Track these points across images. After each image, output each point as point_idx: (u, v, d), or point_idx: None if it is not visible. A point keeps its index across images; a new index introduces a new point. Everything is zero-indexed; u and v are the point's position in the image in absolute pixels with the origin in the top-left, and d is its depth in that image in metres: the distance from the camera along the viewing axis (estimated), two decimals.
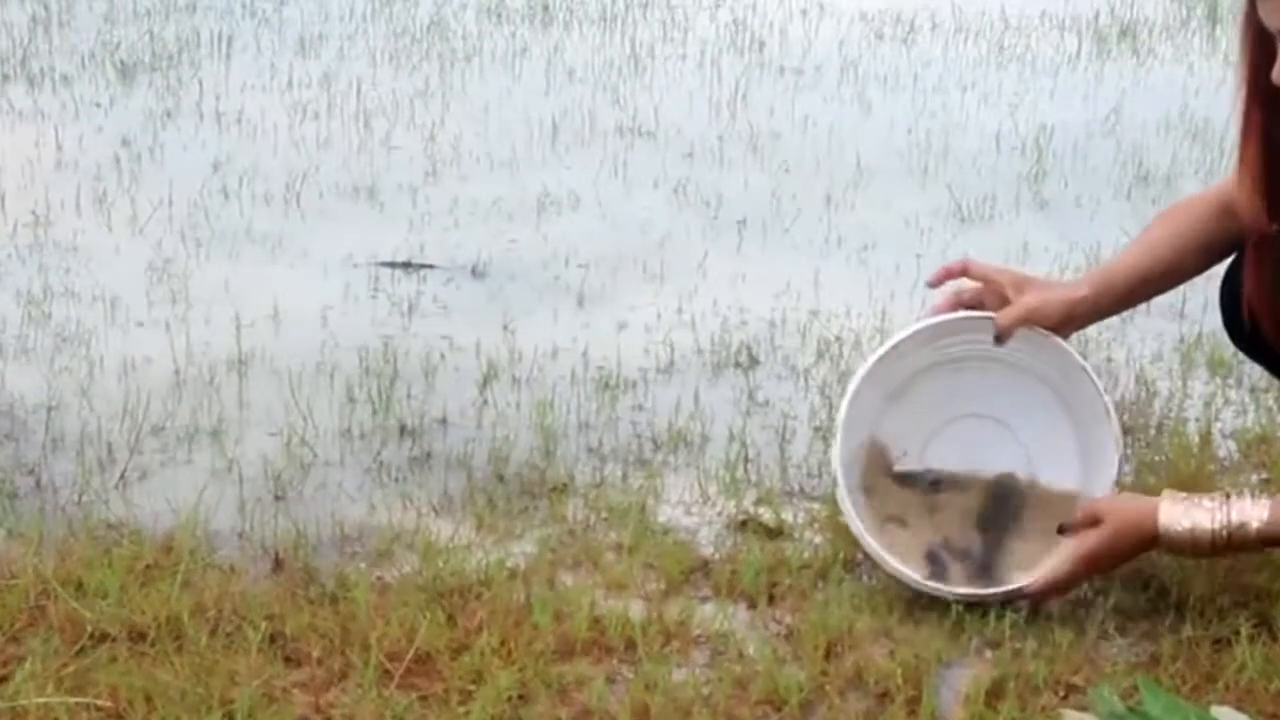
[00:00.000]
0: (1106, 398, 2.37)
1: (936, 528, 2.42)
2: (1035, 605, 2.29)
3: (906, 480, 2.47)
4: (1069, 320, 2.40)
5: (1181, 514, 2.20)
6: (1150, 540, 2.23)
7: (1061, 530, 2.29)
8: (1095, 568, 2.28)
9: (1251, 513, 2.18)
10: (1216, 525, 2.19)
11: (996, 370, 2.46)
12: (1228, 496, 2.21)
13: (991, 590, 2.31)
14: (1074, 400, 2.42)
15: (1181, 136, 4.30)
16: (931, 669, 2.16)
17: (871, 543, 2.32)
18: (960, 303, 2.44)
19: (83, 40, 4.92)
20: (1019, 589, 2.29)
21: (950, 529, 2.42)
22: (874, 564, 2.35)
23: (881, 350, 2.42)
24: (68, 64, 4.68)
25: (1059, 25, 5.39)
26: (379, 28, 5.14)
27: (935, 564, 2.37)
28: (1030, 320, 2.37)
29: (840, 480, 2.34)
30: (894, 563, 2.31)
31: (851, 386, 2.40)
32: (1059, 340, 2.39)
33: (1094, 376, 2.38)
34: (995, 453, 2.47)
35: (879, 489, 2.45)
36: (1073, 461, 2.43)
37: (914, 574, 2.31)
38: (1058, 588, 2.28)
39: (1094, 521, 2.25)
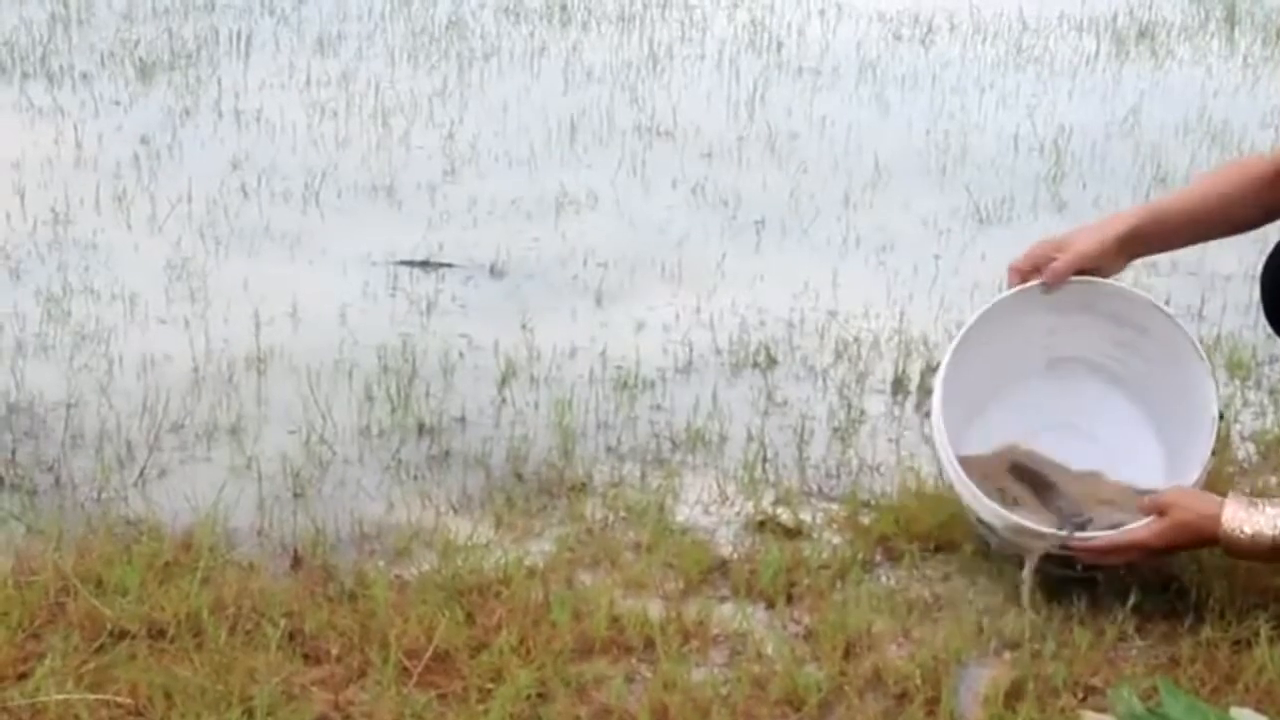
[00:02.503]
0: (1213, 381, 2.37)
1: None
2: (1086, 567, 2.30)
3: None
4: (1121, 251, 2.41)
5: (1245, 519, 2.21)
6: (1210, 540, 2.25)
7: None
8: (1149, 556, 2.30)
9: None
10: (1277, 531, 2.19)
11: (1080, 376, 2.51)
12: None
13: (1051, 531, 2.31)
14: (1165, 399, 2.44)
15: (1200, 138, 4.29)
16: (950, 670, 2.15)
17: (955, 466, 2.33)
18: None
19: (102, 38, 4.93)
20: (1076, 535, 2.29)
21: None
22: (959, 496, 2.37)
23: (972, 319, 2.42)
24: (87, 62, 4.69)
25: (1077, 27, 5.39)
26: (397, 27, 5.14)
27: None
28: (1083, 265, 2.38)
29: (937, 397, 2.34)
30: (975, 491, 2.31)
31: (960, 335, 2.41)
32: (1186, 334, 2.41)
33: (1206, 363, 2.38)
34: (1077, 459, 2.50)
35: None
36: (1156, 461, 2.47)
37: (987, 499, 2.31)
38: (1108, 555, 2.29)
39: (1158, 511, 2.27)
